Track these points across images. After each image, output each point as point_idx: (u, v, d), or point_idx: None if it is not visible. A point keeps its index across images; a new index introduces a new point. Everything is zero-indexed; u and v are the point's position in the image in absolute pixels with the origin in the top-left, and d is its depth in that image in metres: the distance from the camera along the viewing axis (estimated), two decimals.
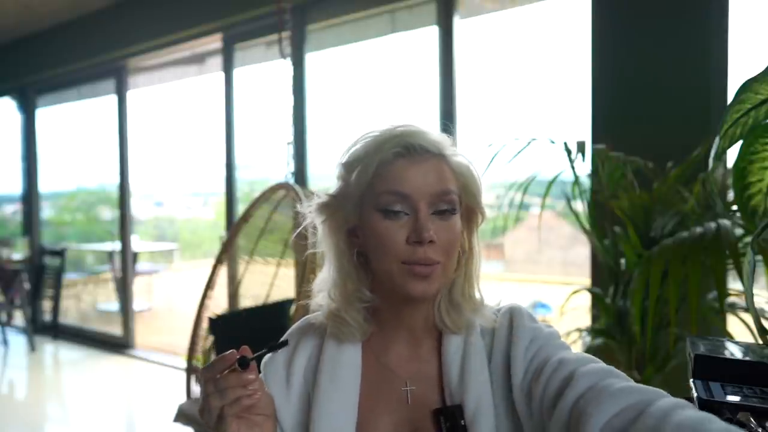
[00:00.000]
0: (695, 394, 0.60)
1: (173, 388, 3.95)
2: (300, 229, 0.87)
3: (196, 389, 2.77)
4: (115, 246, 5.66)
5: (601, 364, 0.70)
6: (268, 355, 0.87)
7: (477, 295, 0.84)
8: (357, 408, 0.80)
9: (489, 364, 0.79)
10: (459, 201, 0.79)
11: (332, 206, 0.81)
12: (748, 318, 1.57)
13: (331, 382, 0.80)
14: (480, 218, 0.83)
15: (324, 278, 0.85)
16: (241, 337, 2.67)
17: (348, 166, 0.80)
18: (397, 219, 0.76)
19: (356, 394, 0.80)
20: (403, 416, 0.80)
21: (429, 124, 0.81)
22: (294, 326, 0.90)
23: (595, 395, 0.63)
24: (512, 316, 0.81)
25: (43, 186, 6.42)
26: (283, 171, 3.14)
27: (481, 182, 0.83)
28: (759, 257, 1.00)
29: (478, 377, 0.78)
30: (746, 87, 0.89)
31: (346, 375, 0.81)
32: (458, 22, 3.12)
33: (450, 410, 0.78)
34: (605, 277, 2.02)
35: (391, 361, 0.83)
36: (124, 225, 5.36)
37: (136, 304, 5.71)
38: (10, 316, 5.72)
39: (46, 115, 6.34)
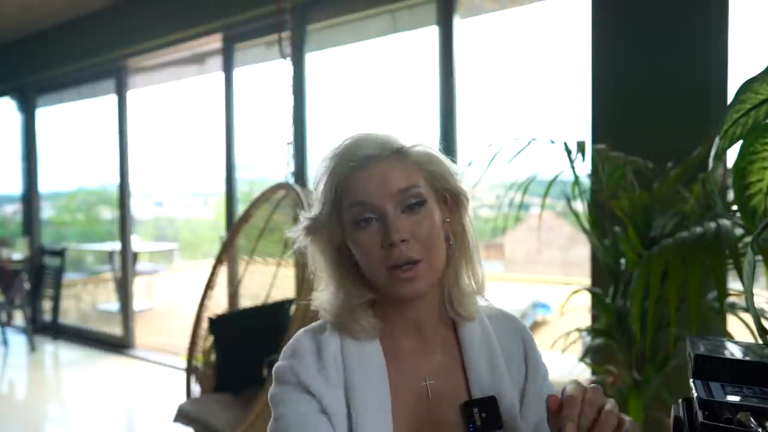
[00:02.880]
0: (695, 394, 0.60)
1: (173, 388, 3.95)
2: (296, 246, 0.86)
3: (195, 389, 2.77)
4: (115, 246, 5.66)
5: None
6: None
7: (480, 276, 0.85)
8: (391, 402, 0.79)
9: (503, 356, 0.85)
10: (433, 190, 0.80)
11: (314, 228, 0.82)
12: (748, 318, 1.57)
13: (363, 379, 0.79)
14: (464, 200, 0.83)
15: (324, 295, 0.84)
16: (241, 337, 2.69)
17: (316, 188, 0.82)
18: (369, 227, 0.77)
19: (387, 389, 0.79)
20: (425, 411, 0.81)
21: (376, 127, 0.82)
22: (302, 329, 0.86)
23: None
24: (525, 342, 0.89)
25: (43, 186, 6.42)
26: (283, 171, 3.14)
27: (450, 162, 0.83)
28: (759, 257, 1.00)
29: (504, 371, 0.84)
30: (746, 87, 0.89)
31: (374, 370, 0.80)
32: (458, 22, 3.12)
33: (484, 402, 0.79)
34: (605, 277, 2.02)
35: (406, 356, 0.83)
36: (124, 225, 5.36)
37: (136, 304, 5.71)
38: (10, 316, 5.72)
39: (46, 115, 6.33)
